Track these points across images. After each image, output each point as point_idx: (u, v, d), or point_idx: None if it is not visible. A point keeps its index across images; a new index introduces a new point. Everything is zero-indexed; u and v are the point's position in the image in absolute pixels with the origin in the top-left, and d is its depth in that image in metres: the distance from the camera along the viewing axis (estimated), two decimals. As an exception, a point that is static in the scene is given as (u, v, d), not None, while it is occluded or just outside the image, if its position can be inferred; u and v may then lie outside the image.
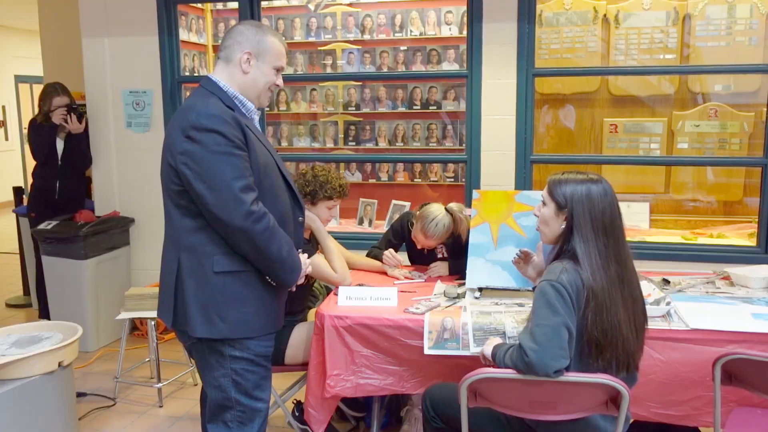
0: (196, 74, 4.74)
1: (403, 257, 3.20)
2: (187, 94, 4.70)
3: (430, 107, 4.61)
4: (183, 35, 4.56)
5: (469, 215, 2.86)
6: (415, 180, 4.74)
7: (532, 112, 3.91)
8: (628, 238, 2.02)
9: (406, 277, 2.99)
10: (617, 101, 4.38)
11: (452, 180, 4.66)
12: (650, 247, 3.85)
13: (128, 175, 4.56)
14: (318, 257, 2.83)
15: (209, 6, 4.86)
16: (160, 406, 3.50)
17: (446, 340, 2.40)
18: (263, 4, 4.64)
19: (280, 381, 3.16)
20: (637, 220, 4.30)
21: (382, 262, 3.10)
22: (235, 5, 4.44)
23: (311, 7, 4.72)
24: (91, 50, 4.50)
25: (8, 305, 5.42)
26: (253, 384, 2.19)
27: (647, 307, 2.37)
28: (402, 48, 4.59)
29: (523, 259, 2.47)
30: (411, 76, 4.63)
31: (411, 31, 4.56)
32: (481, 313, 2.44)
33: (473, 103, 3.95)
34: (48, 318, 4.35)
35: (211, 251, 2.08)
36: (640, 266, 3.55)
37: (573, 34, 4.31)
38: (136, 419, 3.38)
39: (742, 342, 2.24)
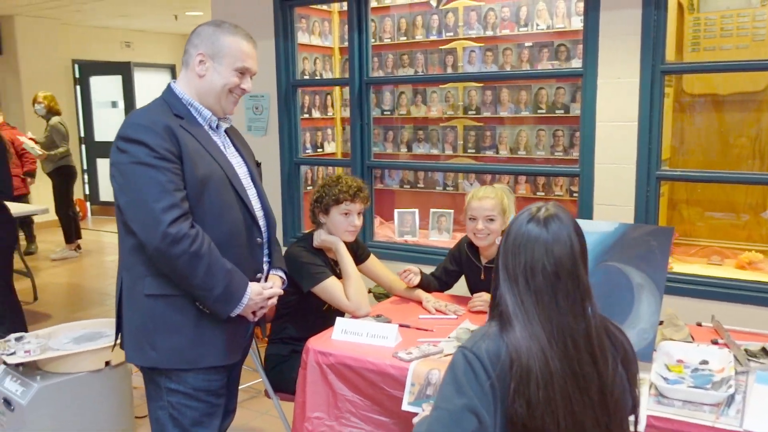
0: (317, 77, 4.68)
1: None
2: (306, 98, 4.66)
3: (557, 111, 4.02)
4: (303, 38, 4.52)
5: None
6: (538, 193, 4.18)
7: (659, 117, 3.20)
8: None
9: (439, 311, 2.57)
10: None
11: (579, 195, 4.01)
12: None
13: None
14: (332, 281, 2.54)
15: (336, 7, 4.75)
16: (224, 414, 3.45)
17: (428, 396, 1.98)
18: (374, 3, 4.44)
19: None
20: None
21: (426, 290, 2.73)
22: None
23: (433, 3, 4.38)
24: (221, 56, 4.65)
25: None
26: (191, 420, 1.99)
27: (694, 390, 1.75)
28: (527, 44, 4.06)
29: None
30: (518, 76, 4.10)
31: (537, 25, 4.02)
32: (477, 369, 1.97)
33: (587, 106, 3.35)
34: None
35: (143, 272, 1.92)
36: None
37: (734, 21, 3.44)
38: (195, 424, 3.37)
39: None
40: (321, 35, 4.69)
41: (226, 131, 2.14)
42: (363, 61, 4.08)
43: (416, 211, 4.31)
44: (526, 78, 4.10)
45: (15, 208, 5.89)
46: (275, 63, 4.37)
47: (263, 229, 2.11)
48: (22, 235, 7.16)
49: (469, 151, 4.37)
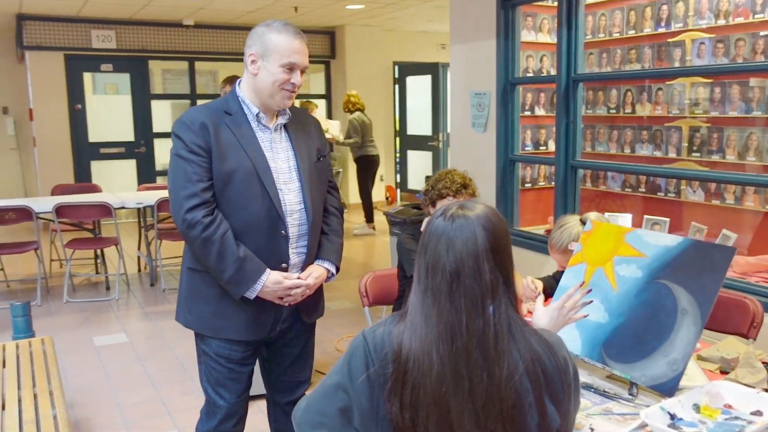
0: (543, 74, 4.65)
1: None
2: (528, 96, 4.67)
3: (794, 111, 3.38)
4: (529, 36, 4.55)
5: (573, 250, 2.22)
6: (767, 207, 3.56)
7: None
8: None
9: (530, 313, 2.50)
10: None
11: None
12: None
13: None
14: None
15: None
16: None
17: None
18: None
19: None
20: None
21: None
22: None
23: (663, -8, 4.01)
24: (455, 55, 4.93)
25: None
26: (215, 380, 2.26)
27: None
28: (762, 33, 3.48)
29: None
30: (714, 71, 3.57)
31: (776, 10, 3.42)
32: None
33: (795, 105, 2.82)
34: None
35: (187, 248, 2.25)
36: None
37: None
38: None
39: None
40: (550, 32, 4.64)
41: (286, 125, 2.23)
42: (571, 57, 3.98)
43: (629, 215, 4.02)
44: (724, 73, 3.56)
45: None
46: (495, 61, 4.49)
47: (298, 222, 2.20)
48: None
49: (693, 154, 3.92)
